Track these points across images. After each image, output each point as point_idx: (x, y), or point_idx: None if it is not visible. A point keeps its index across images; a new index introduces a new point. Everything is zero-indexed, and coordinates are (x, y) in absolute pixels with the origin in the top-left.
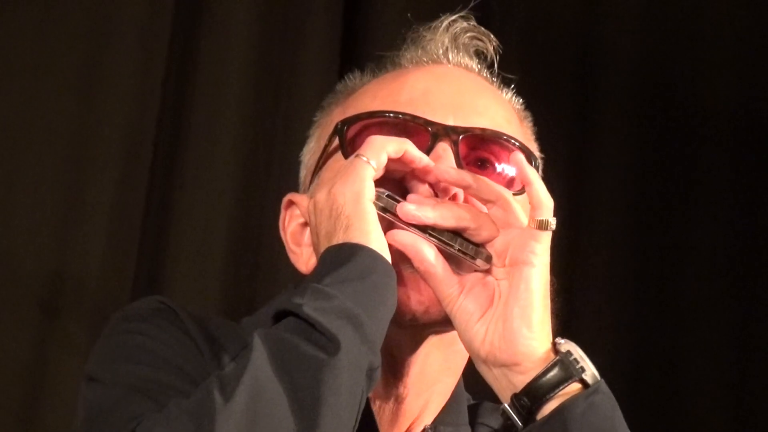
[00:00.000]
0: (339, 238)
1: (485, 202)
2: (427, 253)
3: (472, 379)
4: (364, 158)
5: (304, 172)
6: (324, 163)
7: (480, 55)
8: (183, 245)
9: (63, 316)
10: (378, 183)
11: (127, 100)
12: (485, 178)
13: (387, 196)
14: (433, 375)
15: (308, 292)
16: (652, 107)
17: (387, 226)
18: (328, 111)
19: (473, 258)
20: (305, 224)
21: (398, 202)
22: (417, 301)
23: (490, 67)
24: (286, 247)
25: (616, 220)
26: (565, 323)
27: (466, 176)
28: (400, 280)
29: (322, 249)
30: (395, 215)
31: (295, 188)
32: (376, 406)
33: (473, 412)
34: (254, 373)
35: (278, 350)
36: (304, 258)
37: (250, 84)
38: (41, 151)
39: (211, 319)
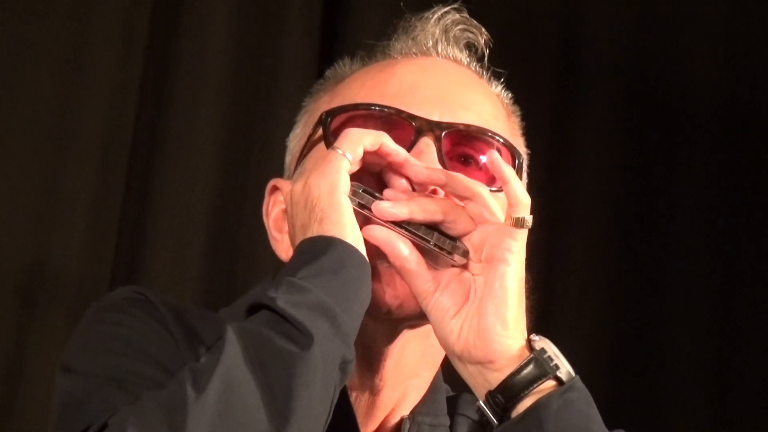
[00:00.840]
0: (314, 231)
1: (462, 198)
2: (402, 248)
3: (452, 372)
4: (340, 151)
5: (289, 158)
6: (308, 152)
7: (470, 47)
8: (162, 235)
9: (42, 306)
10: (356, 176)
11: (107, 90)
12: (459, 175)
13: (363, 190)
14: (409, 367)
15: (282, 285)
16: (634, 101)
17: (363, 221)
18: (316, 98)
19: (450, 253)
20: (287, 211)
21: (374, 196)
22: (392, 295)
23: (480, 60)
24: (268, 233)
25: (596, 215)
26: (542, 320)
27: (439, 174)
28: (376, 275)
29: (297, 240)
30: (371, 210)
31: (277, 175)
32: (352, 398)
33: (452, 403)
34: (227, 366)
35: (251, 343)
36: (284, 245)
37: (230, 74)
38: (20, 141)
39: (188, 308)
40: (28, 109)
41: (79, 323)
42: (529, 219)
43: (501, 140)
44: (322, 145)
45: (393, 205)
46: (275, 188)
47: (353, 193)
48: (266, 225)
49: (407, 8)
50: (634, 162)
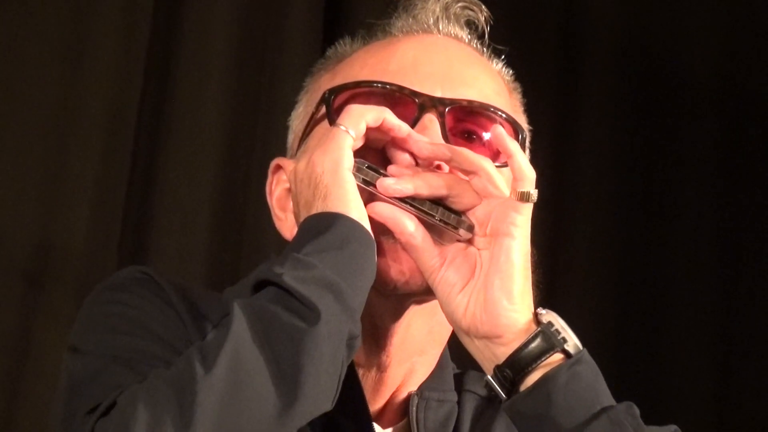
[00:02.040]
0: (318, 207)
1: (466, 173)
2: (407, 224)
3: (457, 350)
4: (343, 127)
5: (292, 137)
6: (311, 130)
7: (471, 25)
8: (167, 217)
9: (48, 287)
10: (360, 152)
11: (110, 73)
12: (464, 149)
13: (367, 167)
14: (416, 344)
15: (288, 261)
16: (637, 82)
17: (367, 197)
18: (317, 77)
19: (455, 228)
20: (291, 189)
21: (378, 172)
22: (398, 271)
23: (481, 37)
24: (272, 212)
25: (600, 198)
26: (547, 301)
27: (444, 149)
28: (381, 251)
29: (302, 218)
30: (375, 186)
31: (281, 154)
32: (359, 374)
33: (459, 380)
34: (235, 342)
35: (258, 320)
36: (288, 224)
37: (234, 54)
38: (24, 122)
39: (194, 288)
40: (32, 94)
41: (85, 303)
42: (534, 193)
43: (504, 115)
44: (325, 122)
45: (397, 181)
46: (278, 167)
47: (357, 170)
48: (270, 204)
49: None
50: (639, 143)
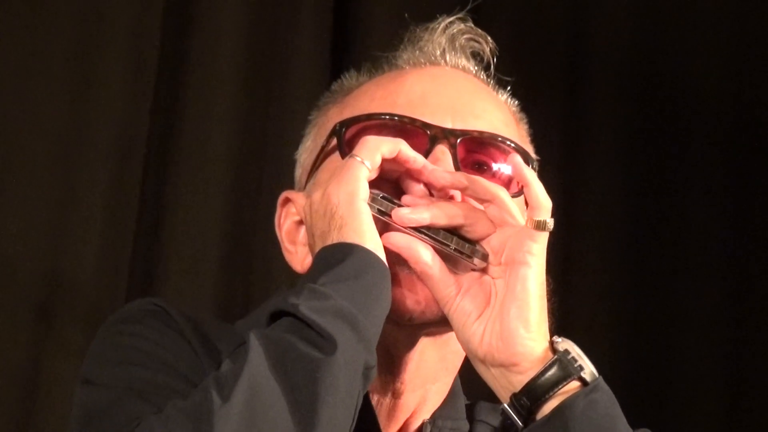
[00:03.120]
0: (333, 238)
1: (482, 201)
2: (423, 254)
3: (467, 380)
4: (359, 158)
5: (300, 171)
6: (321, 163)
7: (476, 56)
8: (177, 246)
9: (58, 318)
10: (374, 184)
11: (119, 100)
12: (480, 178)
13: (382, 197)
14: (429, 372)
15: (304, 291)
16: (644, 104)
17: (382, 228)
18: (325, 110)
19: (470, 257)
20: (300, 222)
21: (393, 203)
22: (414, 301)
23: (487, 69)
24: (281, 245)
25: (610, 219)
26: (560, 322)
27: (461, 178)
28: (397, 281)
29: (317, 249)
30: (390, 216)
31: (289, 186)
32: (374, 401)
33: (470, 410)
34: (251, 372)
35: (275, 349)
36: (299, 257)
37: (241, 83)
38: (33, 152)
39: (205, 319)
40: (41, 120)
41: (96, 336)
42: (550, 222)
43: (514, 146)
44: (336, 155)
45: (413, 210)
46: (287, 200)
47: (372, 200)
48: (279, 237)
49: (412, 19)
50: (647, 163)
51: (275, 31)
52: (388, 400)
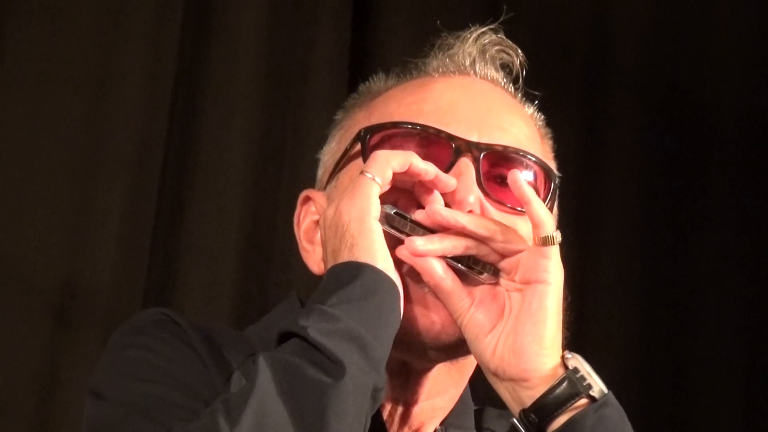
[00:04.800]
0: (344, 257)
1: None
2: (435, 266)
3: (475, 385)
4: (369, 175)
5: (322, 171)
6: (344, 166)
7: (505, 68)
8: (194, 251)
9: (75, 323)
10: (389, 193)
11: (137, 106)
12: (486, 206)
13: (395, 213)
14: (442, 383)
15: (313, 313)
16: (662, 108)
17: (395, 243)
18: (351, 113)
19: (480, 273)
20: (319, 222)
21: (405, 218)
22: (429, 321)
23: (515, 81)
24: (299, 244)
25: (627, 223)
26: (575, 327)
27: (458, 217)
28: (412, 300)
29: (329, 265)
30: (402, 231)
31: (305, 187)
32: (386, 411)
33: (477, 416)
34: (260, 397)
35: (284, 374)
36: (315, 257)
37: (259, 88)
38: (51, 158)
39: (214, 328)
40: (59, 126)
41: (107, 346)
42: (557, 235)
43: (538, 162)
44: (359, 160)
45: (426, 242)
46: (307, 198)
47: (384, 216)
48: (297, 235)
49: (431, 25)
50: (664, 167)
51: (293, 36)
52: (400, 409)
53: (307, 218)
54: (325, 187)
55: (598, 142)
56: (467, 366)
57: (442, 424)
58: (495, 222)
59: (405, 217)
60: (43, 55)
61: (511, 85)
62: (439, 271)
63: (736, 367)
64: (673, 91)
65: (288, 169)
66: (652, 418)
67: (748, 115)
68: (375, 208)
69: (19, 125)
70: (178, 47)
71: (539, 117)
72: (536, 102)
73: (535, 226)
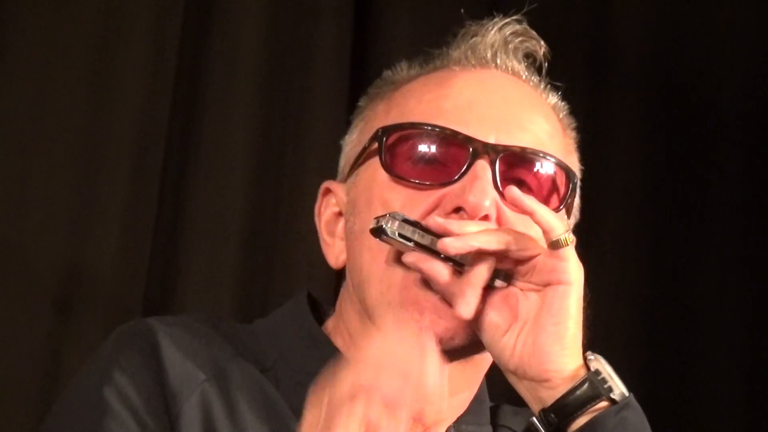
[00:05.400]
0: None
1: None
2: (443, 272)
3: (494, 380)
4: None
5: (343, 162)
6: (363, 163)
7: (529, 57)
8: (196, 240)
9: (77, 312)
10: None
11: (139, 94)
12: (502, 209)
13: (403, 220)
14: (456, 382)
15: None
16: (664, 102)
17: (404, 250)
18: (372, 104)
19: (491, 280)
20: (340, 213)
21: (412, 224)
22: (443, 329)
23: (539, 71)
24: (320, 236)
25: (628, 220)
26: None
27: (471, 241)
28: (425, 308)
29: None
30: (410, 240)
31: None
32: None
33: (493, 413)
34: None
35: None
36: (335, 251)
37: (261, 78)
38: (53, 147)
39: (188, 338)
40: (61, 116)
41: (75, 378)
42: (569, 236)
43: (556, 162)
44: (375, 160)
45: (457, 239)
46: (328, 190)
47: (392, 223)
48: (318, 227)
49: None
50: (666, 162)
51: (296, 27)
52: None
53: (327, 210)
54: (345, 180)
55: (600, 130)
56: (482, 363)
57: (455, 422)
58: (507, 231)
59: (411, 223)
60: (45, 44)
61: (534, 76)
62: (447, 276)
63: (739, 366)
64: (676, 80)
65: (290, 158)
66: (653, 417)
67: (753, 101)
68: None
69: (21, 114)
70: (181, 36)
71: (563, 107)
72: (560, 92)
73: (545, 231)
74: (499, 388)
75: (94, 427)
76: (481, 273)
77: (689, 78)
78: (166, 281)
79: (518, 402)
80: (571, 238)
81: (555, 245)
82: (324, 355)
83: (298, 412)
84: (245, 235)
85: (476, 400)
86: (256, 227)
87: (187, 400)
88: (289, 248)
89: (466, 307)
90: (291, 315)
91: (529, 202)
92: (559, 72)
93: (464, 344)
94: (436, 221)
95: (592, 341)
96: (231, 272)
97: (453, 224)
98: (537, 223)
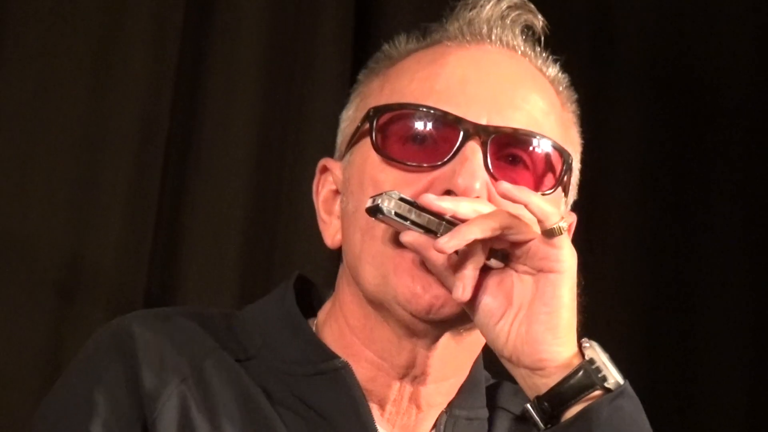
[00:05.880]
0: None
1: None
2: (439, 255)
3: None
4: None
5: (341, 139)
6: (357, 142)
7: (529, 29)
8: (198, 228)
9: (79, 301)
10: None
11: (141, 83)
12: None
13: (399, 198)
14: (451, 364)
15: None
16: (666, 98)
17: (400, 228)
18: (369, 80)
19: (488, 259)
20: (337, 192)
21: (409, 202)
22: (433, 296)
23: (540, 42)
24: (317, 214)
25: (629, 215)
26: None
27: (465, 234)
28: (416, 278)
29: None
30: (407, 219)
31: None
32: (393, 390)
33: (492, 393)
34: None
35: None
36: (331, 230)
37: (264, 67)
38: (55, 140)
39: (173, 333)
40: (63, 104)
41: (58, 381)
42: (562, 224)
43: (549, 142)
44: (367, 140)
45: (451, 237)
46: (325, 168)
47: (389, 202)
48: (316, 204)
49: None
50: (669, 154)
51: (298, 15)
52: (408, 389)
53: (325, 188)
54: (342, 156)
55: (602, 124)
56: (475, 344)
57: (448, 406)
58: (501, 214)
59: (408, 202)
60: (46, 32)
61: (531, 49)
62: (443, 260)
63: (741, 362)
64: (677, 82)
65: (292, 146)
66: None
67: (757, 94)
68: None
69: (23, 109)
70: (182, 24)
71: (562, 79)
72: (558, 63)
73: (540, 220)
74: (500, 364)
75: None
76: (476, 256)
77: (691, 74)
78: (168, 272)
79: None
80: (565, 226)
81: (549, 234)
82: (302, 342)
83: (277, 402)
84: (247, 224)
85: (470, 381)
86: (258, 216)
87: (164, 404)
88: (290, 236)
89: (463, 291)
90: (275, 300)
91: (521, 193)
92: (561, 64)
93: (453, 314)
94: (428, 198)
95: (591, 337)
96: (233, 261)
97: (446, 201)
98: (531, 212)
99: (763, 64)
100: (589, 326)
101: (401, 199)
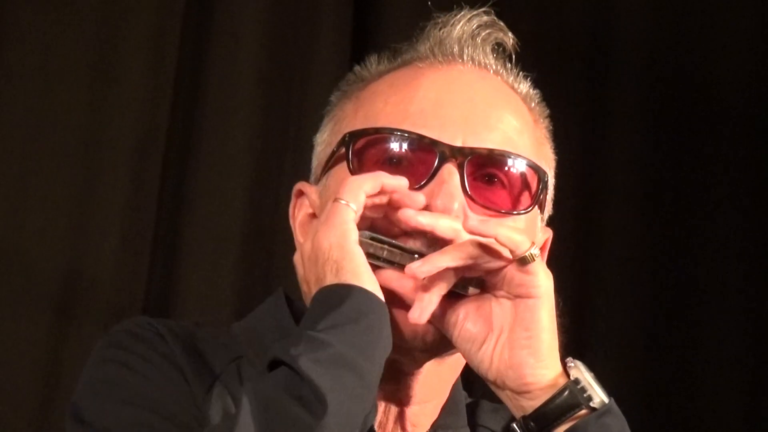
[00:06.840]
0: (329, 282)
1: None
2: (408, 285)
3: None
4: (343, 201)
5: (315, 162)
6: (332, 167)
7: (499, 47)
8: (196, 242)
9: (77, 315)
10: (365, 219)
11: (139, 96)
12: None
13: (371, 238)
14: (432, 386)
15: (303, 341)
16: (666, 96)
17: (373, 268)
18: (342, 102)
19: (465, 288)
20: (314, 215)
21: (382, 241)
22: (411, 331)
23: (508, 60)
24: (294, 237)
25: (630, 215)
26: (577, 324)
27: (436, 261)
28: (394, 315)
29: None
30: (380, 258)
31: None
32: (379, 414)
33: (471, 411)
34: None
35: (266, 411)
36: None
37: (262, 77)
38: (54, 150)
39: (197, 333)
40: (61, 118)
41: (88, 362)
42: (534, 252)
43: (524, 161)
44: (343, 165)
45: (424, 263)
46: (301, 192)
47: (360, 243)
48: (292, 228)
49: (435, 8)
50: (668, 157)
51: (296, 25)
52: (393, 411)
53: (301, 211)
54: (318, 179)
55: (601, 129)
56: (457, 365)
57: (432, 427)
58: (474, 244)
59: (382, 241)
60: (45, 44)
61: (502, 68)
62: (412, 289)
63: (740, 363)
64: (677, 74)
65: (290, 159)
66: (655, 416)
67: (754, 98)
68: (354, 232)
69: (21, 116)
70: (181, 36)
71: (534, 95)
72: (529, 80)
73: (510, 251)
74: (478, 382)
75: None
76: (442, 283)
77: (689, 80)
78: (166, 284)
79: (497, 398)
80: (537, 252)
81: (522, 261)
82: None
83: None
84: (245, 238)
85: (451, 401)
86: (256, 229)
87: (213, 386)
88: (288, 249)
89: (420, 314)
90: (265, 317)
91: (488, 227)
92: (560, 71)
93: (436, 340)
94: (408, 214)
95: (593, 340)
96: (231, 275)
97: (426, 216)
98: (501, 245)
99: (761, 71)
100: (590, 330)
101: (372, 239)
